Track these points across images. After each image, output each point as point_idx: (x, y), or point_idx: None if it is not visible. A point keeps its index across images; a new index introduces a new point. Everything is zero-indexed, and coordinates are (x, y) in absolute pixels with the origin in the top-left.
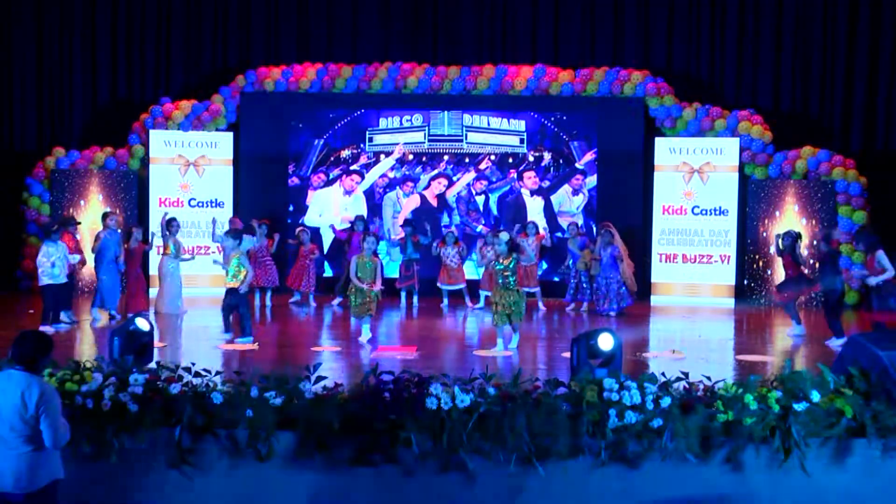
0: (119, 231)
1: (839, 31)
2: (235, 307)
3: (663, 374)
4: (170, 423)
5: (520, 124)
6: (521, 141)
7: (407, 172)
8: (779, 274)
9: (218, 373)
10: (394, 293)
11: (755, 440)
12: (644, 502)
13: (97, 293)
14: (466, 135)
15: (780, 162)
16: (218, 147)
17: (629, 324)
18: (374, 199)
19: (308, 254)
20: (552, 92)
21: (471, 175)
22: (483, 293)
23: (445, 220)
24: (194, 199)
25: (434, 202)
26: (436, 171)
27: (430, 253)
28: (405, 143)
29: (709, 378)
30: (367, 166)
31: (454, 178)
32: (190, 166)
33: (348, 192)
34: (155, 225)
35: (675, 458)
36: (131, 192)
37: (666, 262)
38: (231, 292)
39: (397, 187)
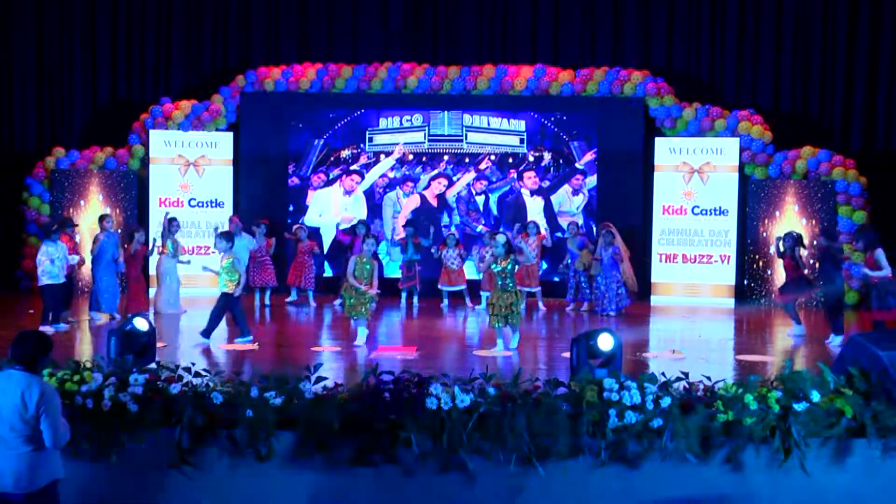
0: (117, 232)
1: (839, 31)
2: (228, 310)
3: (663, 374)
4: (170, 423)
5: (520, 124)
6: (521, 141)
7: (407, 172)
8: (779, 274)
9: (218, 373)
10: (394, 293)
11: (755, 440)
12: (644, 502)
13: (93, 295)
14: (466, 135)
15: (780, 162)
16: (218, 147)
17: (629, 324)
18: (374, 199)
19: (307, 250)
20: (552, 92)
21: (471, 175)
22: (484, 294)
23: (445, 220)
24: (194, 199)
25: (434, 202)
26: (436, 171)
27: (431, 254)
28: (405, 143)
29: (709, 378)
30: (367, 166)
31: (454, 178)
32: (190, 166)
33: (348, 192)
34: (156, 225)
35: (675, 458)
36: (131, 192)
37: (666, 262)
38: (225, 296)
39: (397, 187)
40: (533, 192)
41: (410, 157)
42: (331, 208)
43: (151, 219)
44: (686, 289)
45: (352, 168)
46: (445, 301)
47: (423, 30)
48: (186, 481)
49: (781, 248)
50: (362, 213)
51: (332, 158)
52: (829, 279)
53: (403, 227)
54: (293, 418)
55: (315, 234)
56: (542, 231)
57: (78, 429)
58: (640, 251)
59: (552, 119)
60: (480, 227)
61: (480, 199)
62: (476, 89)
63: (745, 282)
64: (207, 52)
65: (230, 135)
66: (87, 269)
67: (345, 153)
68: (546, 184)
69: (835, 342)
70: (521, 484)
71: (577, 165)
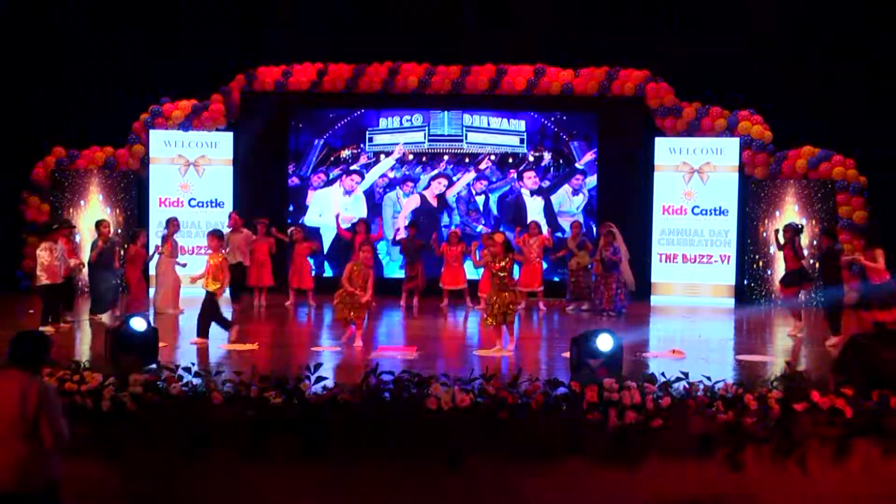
0: (116, 235)
1: (839, 31)
2: (213, 310)
3: (663, 374)
4: (170, 423)
5: (520, 124)
6: (521, 141)
7: (407, 172)
8: (779, 273)
9: (218, 372)
10: (394, 292)
11: (755, 440)
12: (644, 502)
13: (93, 296)
14: (466, 135)
15: (780, 162)
16: (218, 147)
17: (629, 324)
18: (374, 199)
19: (304, 252)
20: (552, 92)
21: (471, 175)
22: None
23: (445, 220)
24: (194, 199)
25: (434, 202)
26: (436, 171)
27: (432, 254)
28: (405, 143)
29: (709, 378)
30: (367, 166)
31: (454, 178)
32: (190, 166)
33: (348, 192)
34: (155, 225)
35: (675, 458)
36: (131, 192)
37: (666, 262)
38: (211, 295)
39: (397, 187)
40: (533, 192)
41: (410, 157)
42: (331, 208)
43: (151, 219)
44: (686, 289)
45: (352, 168)
46: (446, 301)
47: (423, 29)
48: (186, 481)
49: (782, 241)
50: (362, 213)
51: (332, 158)
52: (830, 281)
53: (405, 227)
54: (293, 418)
55: (315, 233)
56: (545, 233)
57: (78, 429)
58: (640, 251)
59: (552, 119)
60: (480, 227)
61: (480, 199)
62: (476, 89)
63: (745, 282)
64: (207, 52)
65: (230, 135)
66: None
67: (345, 153)
68: (546, 184)
69: (834, 342)
70: (521, 484)
71: (577, 165)
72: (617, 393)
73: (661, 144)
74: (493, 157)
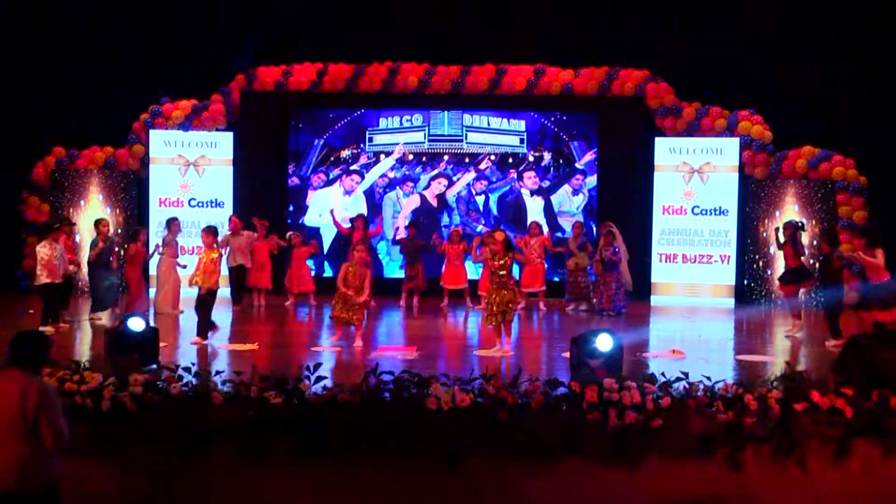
0: (116, 235)
1: (839, 31)
2: (204, 307)
3: (663, 374)
4: (170, 423)
5: (520, 124)
6: (521, 141)
7: (407, 172)
8: (779, 272)
9: (218, 373)
10: (394, 293)
11: (755, 440)
12: (644, 502)
13: (93, 296)
14: (466, 135)
15: (780, 162)
16: (218, 147)
17: (629, 324)
18: (374, 199)
19: (303, 255)
20: (552, 92)
21: (471, 175)
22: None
23: (445, 220)
24: (194, 199)
25: (434, 202)
26: (436, 171)
27: (433, 253)
28: (405, 143)
29: (709, 378)
30: (367, 166)
31: (454, 178)
32: (190, 166)
33: (348, 192)
34: (155, 225)
35: (675, 458)
36: (131, 192)
37: (666, 262)
38: (207, 294)
39: (397, 187)
40: (533, 192)
41: (410, 157)
42: (330, 208)
43: (151, 219)
44: (686, 289)
45: (352, 168)
46: (446, 300)
47: (423, 29)
48: (186, 481)
49: (782, 239)
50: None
51: (332, 158)
52: (830, 283)
53: (406, 227)
54: (293, 418)
55: (315, 234)
56: (545, 234)
57: (78, 429)
58: (640, 251)
59: (552, 119)
60: (480, 227)
61: (480, 199)
62: (476, 89)
63: (745, 282)
64: (207, 52)
65: (230, 135)
66: (85, 267)
67: (345, 153)
68: (546, 184)
69: (833, 344)
70: (521, 484)
71: (577, 165)
72: (617, 393)
73: (661, 144)
74: (493, 157)
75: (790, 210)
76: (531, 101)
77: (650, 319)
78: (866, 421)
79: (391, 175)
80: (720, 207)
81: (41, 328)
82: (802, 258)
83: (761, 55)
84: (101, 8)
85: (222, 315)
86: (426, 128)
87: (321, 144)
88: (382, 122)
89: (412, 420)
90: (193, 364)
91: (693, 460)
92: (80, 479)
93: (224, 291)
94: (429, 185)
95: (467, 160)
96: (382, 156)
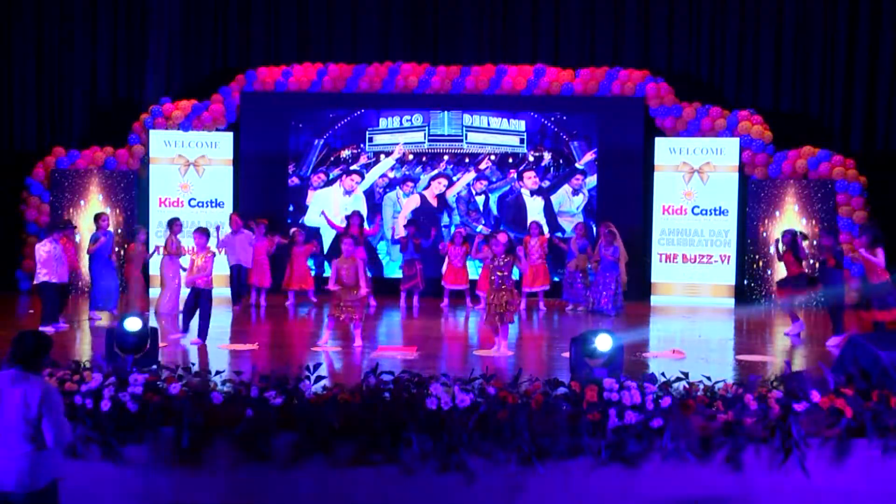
0: (116, 231)
1: (839, 31)
2: (202, 306)
3: (663, 374)
4: (170, 423)
5: (520, 124)
6: (521, 141)
7: (407, 172)
8: (779, 274)
9: (218, 372)
10: (394, 293)
11: (755, 440)
12: (644, 502)
13: (93, 295)
14: (466, 135)
15: (780, 162)
16: (218, 147)
17: (629, 324)
18: (374, 199)
19: (304, 253)
20: (552, 92)
21: (471, 175)
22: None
23: (445, 220)
24: (194, 199)
25: (434, 202)
26: (436, 171)
27: (432, 253)
28: (405, 143)
29: (709, 378)
30: (367, 166)
31: (454, 178)
32: (190, 166)
33: (348, 192)
34: (156, 226)
35: (675, 458)
36: (131, 192)
37: (666, 262)
38: (208, 293)
39: (397, 187)
40: (533, 192)
41: (410, 157)
42: (331, 208)
43: (151, 219)
44: (686, 289)
45: (352, 168)
46: (446, 300)
47: (423, 30)
48: (186, 481)
49: (781, 249)
50: (362, 213)
51: (332, 158)
52: (831, 280)
53: (405, 226)
54: (293, 418)
55: (315, 234)
56: (545, 234)
57: (78, 429)
58: (640, 251)
59: (552, 119)
60: (480, 227)
61: (480, 199)
62: (476, 89)
63: (745, 282)
64: (207, 52)
65: (230, 135)
66: (85, 269)
67: (345, 153)
68: (546, 184)
69: (834, 342)
70: (521, 484)
71: (577, 165)
72: (617, 393)
73: (661, 144)
74: (493, 157)
75: (790, 210)
76: (531, 101)
77: (650, 319)
78: (866, 421)
79: (391, 175)
80: (720, 207)
81: (41, 328)
82: (804, 262)
83: (761, 55)
84: (101, 8)
85: (222, 315)
86: (426, 128)
87: (321, 144)
88: (382, 122)
89: (412, 420)
90: (193, 364)
91: (693, 460)
92: (80, 479)
93: (224, 291)
94: (429, 185)
95: (467, 160)
96: (382, 156)
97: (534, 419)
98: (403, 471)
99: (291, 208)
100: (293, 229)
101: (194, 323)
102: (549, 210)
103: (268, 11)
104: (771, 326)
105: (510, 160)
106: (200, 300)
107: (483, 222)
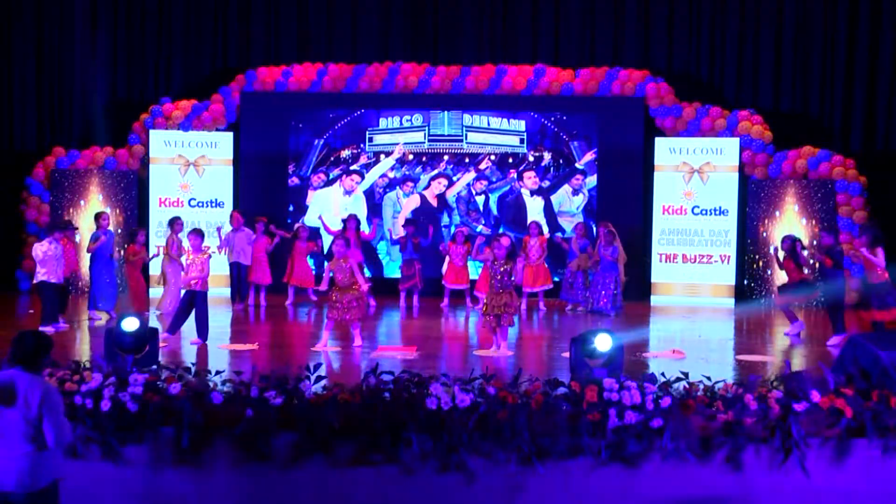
0: (116, 231)
1: (839, 32)
2: (197, 307)
3: (663, 374)
4: (170, 423)
5: (520, 124)
6: (521, 141)
7: (407, 172)
8: (779, 276)
9: (218, 372)
10: (394, 293)
11: (755, 440)
12: (644, 502)
13: (92, 294)
14: (466, 135)
15: (780, 162)
16: (218, 147)
17: (629, 324)
18: (374, 199)
19: (305, 251)
20: (552, 92)
21: (471, 175)
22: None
23: (445, 220)
24: (194, 199)
25: (434, 202)
26: (436, 171)
27: (433, 253)
28: (405, 143)
29: (709, 378)
30: (367, 166)
31: (454, 178)
32: (190, 166)
33: (348, 192)
34: (156, 226)
35: (675, 458)
36: (131, 192)
37: (666, 262)
38: (201, 295)
39: (397, 187)
40: (533, 192)
41: (410, 157)
42: (331, 208)
43: (151, 219)
44: (686, 289)
45: (352, 168)
46: (446, 300)
47: (423, 30)
48: (186, 481)
49: (781, 257)
50: (362, 213)
51: (332, 158)
52: (831, 279)
53: (403, 226)
54: (293, 418)
55: (315, 234)
56: (545, 234)
57: (78, 429)
58: (640, 251)
59: (552, 119)
60: (480, 227)
61: (480, 199)
62: (476, 89)
63: (745, 282)
64: (207, 52)
65: (230, 135)
66: (86, 269)
67: (345, 153)
68: (546, 184)
69: (835, 341)
70: (521, 484)
71: (577, 165)
72: (617, 393)
73: (661, 144)
74: (493, 157)
75: (790, 210)
76: (531, 101)
77: (650, 319)
78: (866, 421)
79: (391, 175)
80: (720, 207)
81: (41, 328)
82: (805, 269)
83: (761, 55)
84: (101, 8)
85: (222, 315)
86: (426, 128)
87: (321, 144)
88: (382, 122)
89: (412, 420)
90: (193, 364)
91: (693, 460)
92: (80, 480)
93: (223, 291)
94: (429, 185)
95: (467, 160)
96: (382, 156)
97: (534, 419)
98: (403, 471)
99: (291, 208)
100: (297, 225)
101: (188, 325)
102: (549, 210)
103: (268, 11)
104: (771, 326)
105: (510, 160)
106: (196, 302)
107: (483, 222)
